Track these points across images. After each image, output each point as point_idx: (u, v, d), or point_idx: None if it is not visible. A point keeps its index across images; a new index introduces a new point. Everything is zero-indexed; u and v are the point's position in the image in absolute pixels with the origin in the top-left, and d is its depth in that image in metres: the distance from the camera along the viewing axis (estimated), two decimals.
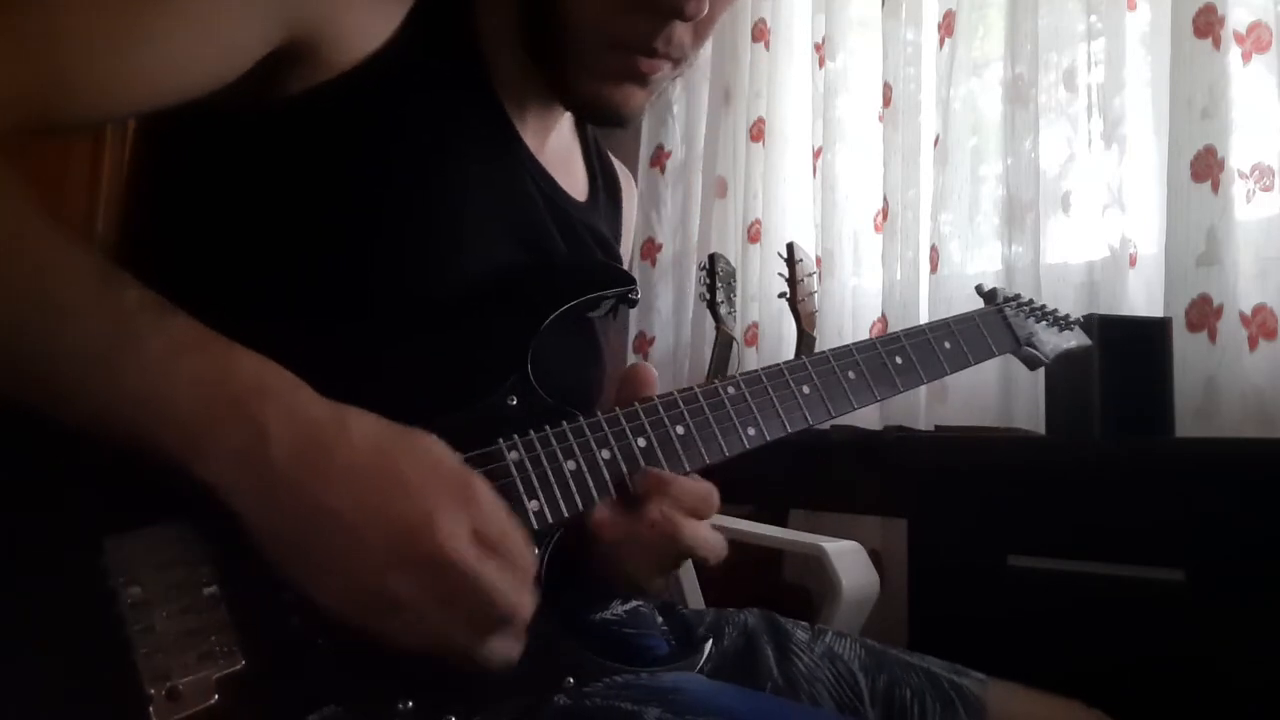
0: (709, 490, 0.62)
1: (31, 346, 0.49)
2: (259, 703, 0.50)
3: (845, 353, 0.73)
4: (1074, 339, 0.96)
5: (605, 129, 0.80)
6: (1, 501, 0.50)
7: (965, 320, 0.84)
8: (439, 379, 0.60)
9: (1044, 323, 0.92)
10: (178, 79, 0.58)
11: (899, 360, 0.76)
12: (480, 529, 0.51)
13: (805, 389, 0.70)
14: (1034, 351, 0.89)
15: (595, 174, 0.86)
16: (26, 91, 0.53)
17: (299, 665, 0.51)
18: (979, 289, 0.95)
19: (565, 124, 0.81)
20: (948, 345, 0.80)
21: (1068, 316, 0.97)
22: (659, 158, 2.57)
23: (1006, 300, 0.90)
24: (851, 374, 0.72)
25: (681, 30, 0.66)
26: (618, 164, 0.93)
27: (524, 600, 0.52)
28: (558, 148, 0.80)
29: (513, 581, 0.51)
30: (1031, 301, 0.93)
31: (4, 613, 0.48)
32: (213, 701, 0.48)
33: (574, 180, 0.82)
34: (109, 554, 0.50)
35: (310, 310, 0.62)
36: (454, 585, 0.50)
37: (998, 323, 0.87)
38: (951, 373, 0.80)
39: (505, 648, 0.53)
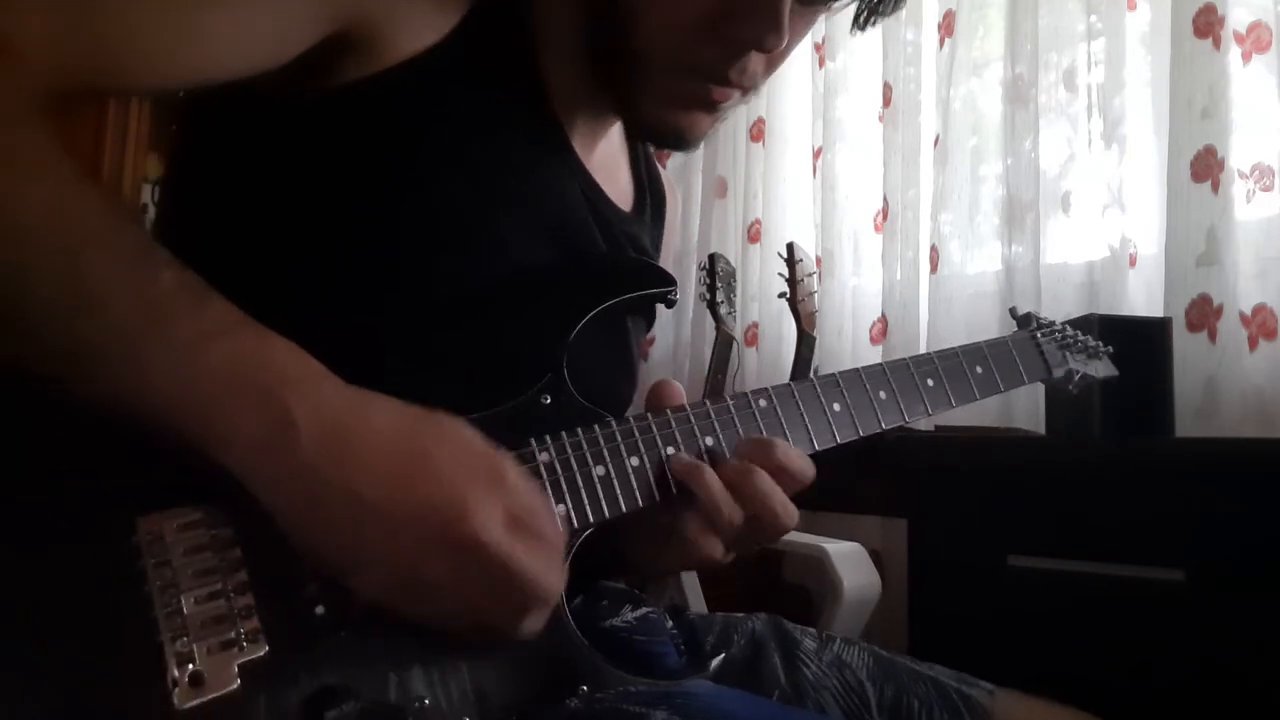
0: (805, 461, 0.63)
1: (58, 321, 0.49)
2: (280, 691, 0.50)
3: (878, 372, 0.73)
4: (1104, 369, 0.95)
5: (665, 150, 0.79)
6: (35, 478, 0.51)
7: (999, 345, 0.83)
8: (475, 375, 0.60)
9: (1073, 349, 0.91)
10: (228, 57, 0.57)
11: (930, 382, 0.75)
12: (511, 510, 0.51)
13: (835, 406, 0.70)
14: (1062, 381, 0.89)
15: (643, 185, 0.86)
16: (74, 56, 0.53)
17: (322, 656, 0.51)
18: (1013, 312, 0.93)
19: (615, 133, 0.80)
20: (979, 370, 0.79)
21: (1099, 345, 0.96)
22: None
23: (1040, 326, 0.89)
24: (883, 394, 0.72)
25: (756, 61, 0.66)
26: (664, 173, 0.92)
27: (555, 580, 0.53)
28: (606, 156, 0.79)
29: (544, 563, 0.52)
30: (1065, 328, 0.91)
31: (34, 590, 0.48)
32: (234, 687, 0.48)
33: (620, 189, 0.81)
34: (140, 533, 0.50)
35: (346, 301, 0.62)
36: (488, 568, 0.50)
37: (1031, 350, 0.86)
38: (980, 398, 0.79)
39: (535, 623, 0.53)
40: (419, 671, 0.53)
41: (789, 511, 0.62)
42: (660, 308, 0.73)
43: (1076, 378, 0.91)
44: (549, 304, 0.65)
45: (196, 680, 0.48)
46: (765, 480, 0.61)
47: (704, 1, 0.63)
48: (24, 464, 0.51)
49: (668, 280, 0.69)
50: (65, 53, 0.52)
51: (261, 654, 0.50)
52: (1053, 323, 0.91)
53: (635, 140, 0.85)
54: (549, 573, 0.52)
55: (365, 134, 0.63)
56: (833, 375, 0.71)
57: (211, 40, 0.57)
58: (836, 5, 0.66)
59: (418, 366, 0.60)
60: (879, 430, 0.72)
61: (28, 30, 0.51)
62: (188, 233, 0.66)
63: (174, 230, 0.68)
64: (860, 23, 0.69)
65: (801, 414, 0.68)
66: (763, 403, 0.67)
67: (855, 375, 0.72)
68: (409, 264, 0.63)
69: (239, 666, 0.49)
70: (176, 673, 0.48)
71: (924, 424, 1.81)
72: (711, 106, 0.69)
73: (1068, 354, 0.90)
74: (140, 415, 0.49)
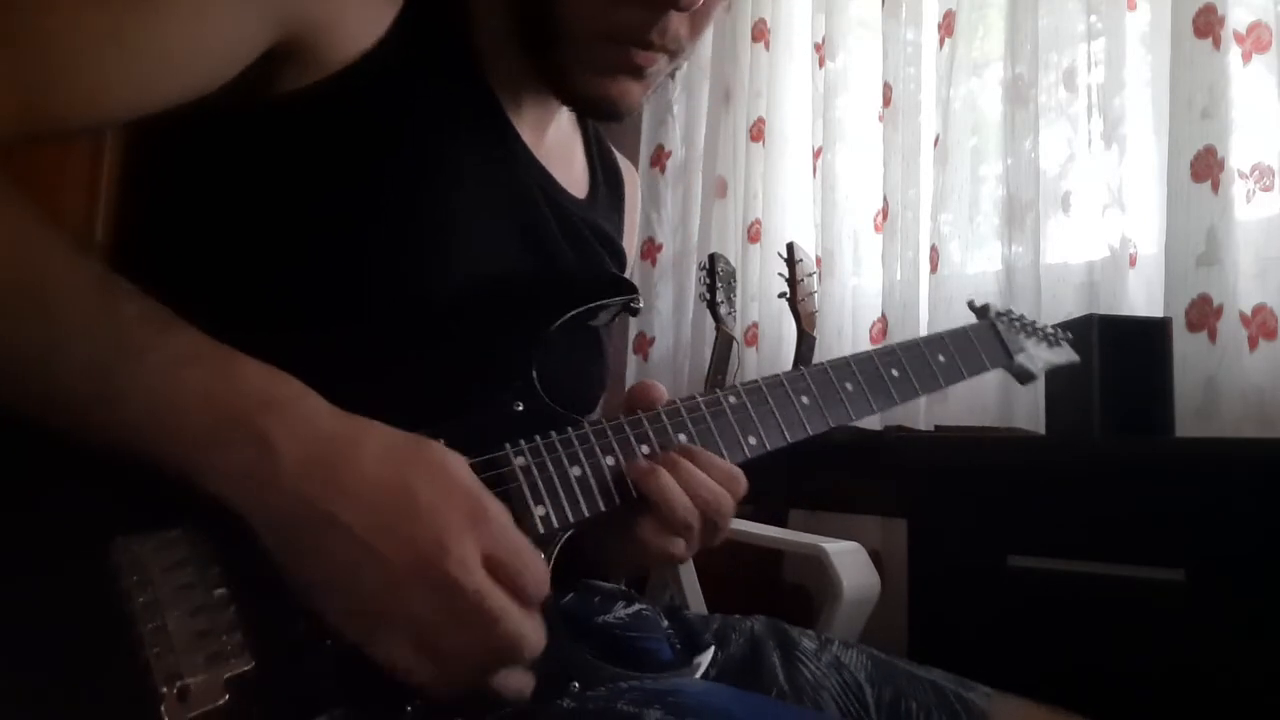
0: (734, 469, 0.64)
1: (29, 362, 0.49)
2: (268, 703, 0.50)
3: (843, 364, 0.74)
4: (1064, 354, 0.97)
5: (603, 123, 0.79)
6: (15, 499, 0.50)
7: (958, 334, 0.85)
8: (443, 383, 0.60)
9: (1034, 337, 0.93)
10: (171, 82, 0.57)
11: (895, 372, 0.77)
12: (492, 552, 0.50)
13: (804, 399, 0.71)
14: (1025, 366, 0.91)
15: (595, 168, 0.85)
16: (16, 98, 0.52)
17: (308, 667, 0.51)
18: (971, 304, 0.96)
19: (564, 117, 0.80)
20: (941, 358, 0.81)
21: (1058, 332, 0.98)
22: (659, 158, 2.57)
23: (999, 315, 0.91)
24: (849, 385, 0.73)
25: (677, 21, 0.66)
26: (619, 156, 0.92)
27: (529, 629, 0.51)
28: (557, 142, 0.79)
29: (519, 610, 0.51)
30: (1023, 316, 0.94)
31: (17, 611, 0.48)
32: (223, 701, 0.48)
33: (574, 175, 0.81)
34: (121, 553, 0.50)
35: (310, 313, 0.61)
36: (461, 610, 0.49)
37: (990, 337, 0.88)
38: (945, 386, 0.81)
39: (516, 680, 0.52)
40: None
41: (733, 478, 0.64)
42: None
43: (1039, 364, 0.92)
44: (514, 312, 0.65)
45: (184, 695, 0.48)
46: (710, 483, 0.62)
47: None
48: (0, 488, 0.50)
49: (629, 289, 0.69)
50: (17, 99, 0.52)
51: (248, 667, 0.49)
52: (1009, 311, 0.93)
53: (583, 121, 0.85)
54: (525, 619, 0.51)
55: (311, 143, 0.62)
56: (799, 370, 0.72)
57: (158, 65, 0.56)
58: None
59: (385, 376, 0.59)
60: (850, 420, 0.73)
61: None
62: (143, 256, 0.66)
63: (130, 254, 0.67)
64: None
65: (772, 409, 0.69)
66: (733, 400, 0.68)
67: (821, 369, 0.73)
68: (366, 272, 0.62)
69: (226, 680, 0.49)
70: (164, 689, 0.47)
71: (924, 424, 1.82)
72: (638, 72, 0.68)
73: (1027, 341, 0.92)
74: (119, 448, 0.49)
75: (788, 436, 0.69)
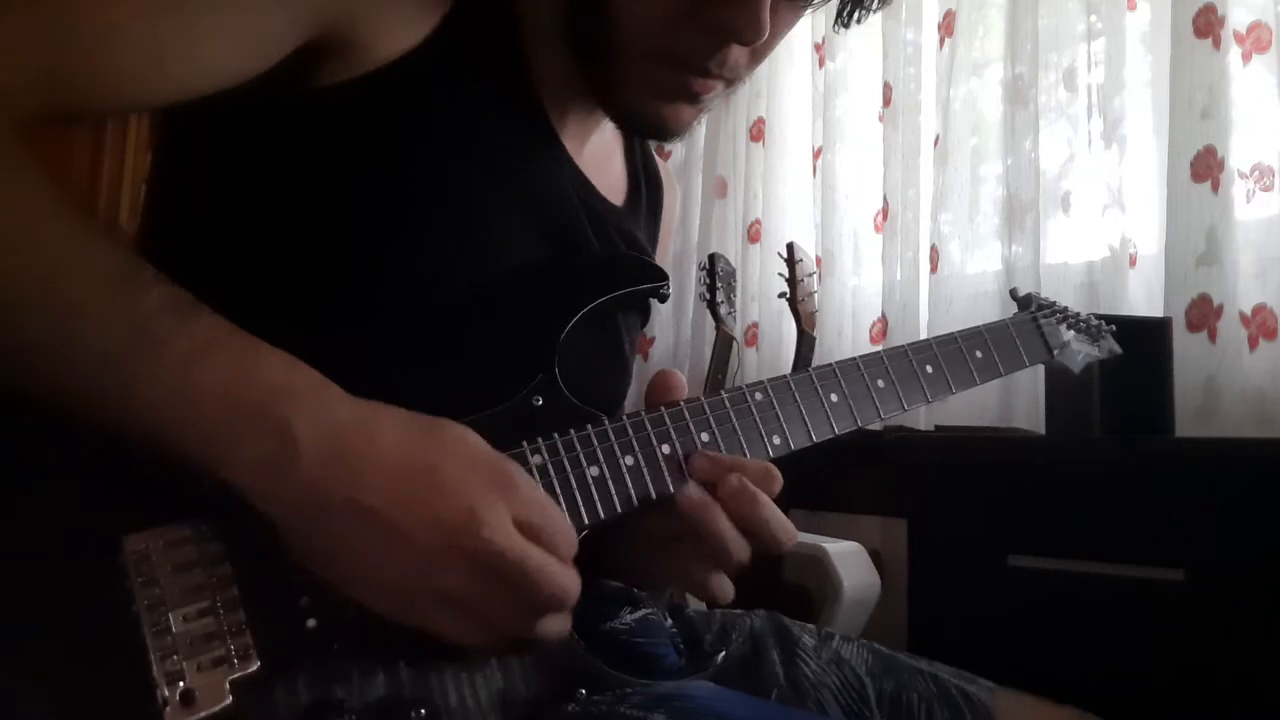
0: (769, 466, 0.62)
1: (44, 350, 0.48)
2: (274, 706, 0.49)
3: (876, 360, 0.72)
4: (1106, 347, 0.94)
5: (650, 140, 0.78)
6: (20, 497, 0.50)
7: (998, 328, 0.81)
8: (465, 378, 0.60)
9: (1076, 329, 0.90)
10: (208, 70, 0.57)
11: (929, 369, 0.74)
12: (520, 516, 0.51)
13: (833, 397, 0.69)
14: (1064, 363, 0.87)
15: (638, 177, 0.84)
16: (51, 78, 0.52)
17: (315, 670, 0.51)
18: (1014, 293, 0.92)
19: (609, 126, 0.79)
20: (979, 354, 0.78)
21: (1101, 324, 0.94)
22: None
23: (1041, 307, 0.88)
24: (881, 382, 0.71)
25: (738, 52, 0.65)
26: (663, 165, 0.91)
27: (571, 581, 0.52)
28: (598, 150, 0.78)
29: (558, 564, 0.52)
30: (1066, 309, 0.90)
31: (21, 610, 0.48)
32: (227, 703, 0.48)
33: (612, 183, 0.80)
34: (127, 553, 0.50)
35: (332, 307, 0.61)
36: (502, 575, 0.50)
37: (1032, 331, 0.84)
38: (981, 383, 0.78)
39: (556, 625, 0.53)
40: (414, 682, 0.53)
41: (789, 531, 0.61)
42: (660, 307, 0.72)
43: (1079, 358, 0.89)
44: (539, 304, 0.64)
45: (188, 699, 0.47)
46: (768, 507, 0.60)
47: None
48: (6, 484, 0.50)
49: (659, 275, 0.68)
50: (45, 77, 0.51)
51: (253, 669, 0.49)
52: (1053, 303, 0.90)
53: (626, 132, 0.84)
54: (565, 572, 0.52)
55: (351, 137, 0.62)
56: (830, 366, 0.70)
57: (195, 52, 0.56)
58: (819, 1, 0.65)
59: (407, 370, 0.59)
60: (879, 419, 0.71)
61: (4, 57, 0.50)
62: (174, 239, 0.65)
63: (161, 237, 0.67)
64: (844, 19, 0.68)
65: (799, 406, 0.67)
66: (759, 396, 0.66)
67: (853, 365, 0.71)
68: (399, 267, 0.62)
69: (231, 683, 0.48)
70: (167, 692, 0.47)
71: (924, 424, 1.82)
72: (694, 98, 0.67)
73: (1070, 334, 0.88)
74: (137, 438, 0.49)
75: (814, 436, 0.68)
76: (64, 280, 0.48)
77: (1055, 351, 0.86)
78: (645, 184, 0.85)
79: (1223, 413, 1.48)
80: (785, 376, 0.68)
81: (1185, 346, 1.49)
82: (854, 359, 0.71)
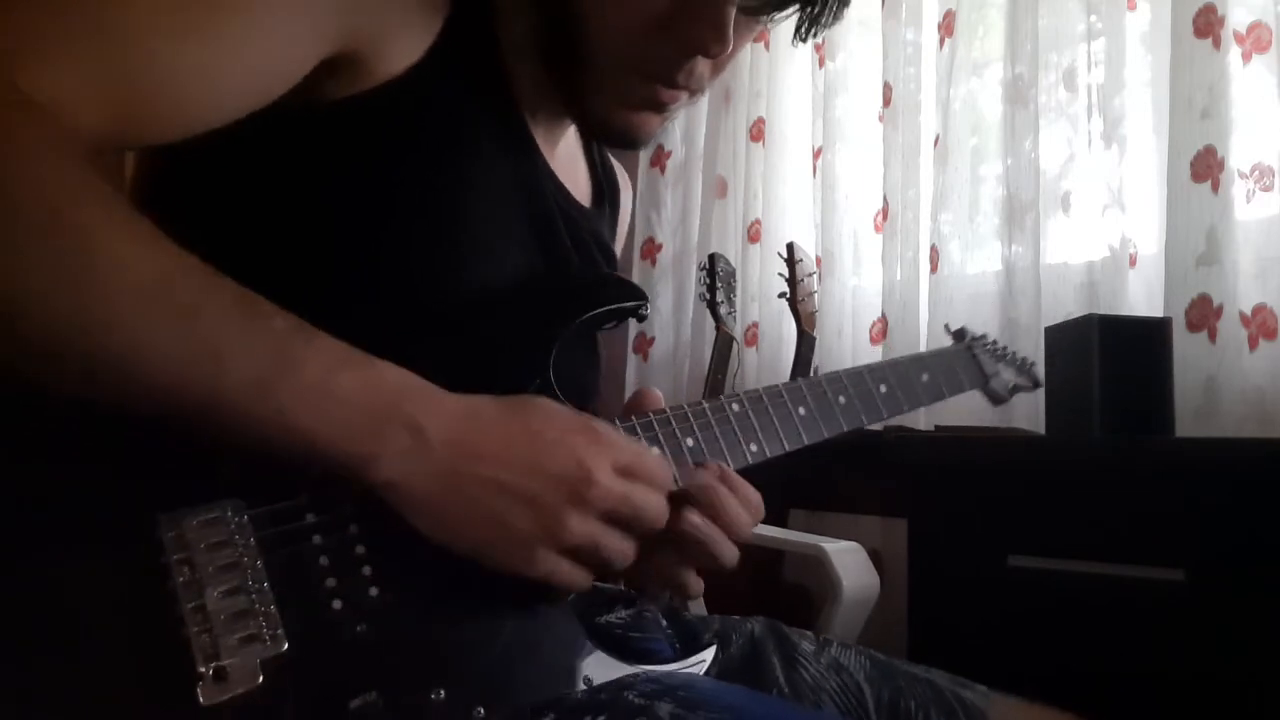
0: (759, 498, 0.66)
1: (194, 388, 0.50)
2: (303, 686, 0.50)
3: (836, 379, 0.80)
4: (1031, 378, 1.08)
5: (615, 149, 0.81)
6: (55, 480, 0.51)
7: (939, 355, 0.93)
8: (465, 383, 0.60)
9: (1004, 361, 1.03)
10: (250, 91, 0.58)
11: (884, 389, 0.83)
12: (618, 461, 0.57)
13: (801, 410, 0.75)
14: (996, 390, 1.00)
15: (599, 177, 0.88)
16: (118, 112, 0.53)
17: (341, 651, 0.52)
18: (947, 328, 1.06)
19: (571, 130, 0.82)
20: (925, 378, 0.88)
21: (1025, 360, 1.08)
22: (659, 158, 2.57)
23: (973, 340, 1.00)
24: (843, 399, 0.79)
25: (703, 64, 0.68)
26: (615, 164, 0.94)
27: (666, 508, 0.60)
28: (565, 154, 0.81)
29: (656, 495, 0.59)
30: (995, 342, 1.03)
31: (60, 586, 0.49)
32: (258, 684, 0.49)
33: (579, 186, 0.83)
34: (162, 531, 0.51)
35: (333, 314, 0.62)
36: (617, 514, 0.57)
37: (967, 360, 0.97)
38: (929, 403, 0.88)
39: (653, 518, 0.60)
40: (435, 664, 0.54)
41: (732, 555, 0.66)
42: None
43: (1009, 386, 1.03)
44: (534, 312, 0.68)
45: (220, 675, 0.48)
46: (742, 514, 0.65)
47: (652, 6, 0.65)
48: (43, 466, 0.52)
49: (640, 295, 0.73)
50: (113, 111, 0.53)
51: (283, 649, 0.50)
52: (984, 336, 1.02)
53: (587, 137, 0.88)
54: (660, 503, 0.59)
55: (356, 150, 0.64)
56: (797, 383, 0.77)
57: (236, 78, 0.57)
58: (780, 16, 0.68)
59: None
60: (842, 431, 0.79)
61: (72, 93, 0.51)
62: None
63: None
64: (801, 34, 0.70)
65: (771, 418, 0.73)
66: (735, 407, 0.72)
67: (816, 382, 0.78)
68: (395, 274, 0.65)
69: (261, 662, 0.49)
70: (202, 668, 0.48)
71: (924, 424, 1.82)
72: (660, 107, 0.71)
73: (1000, 365, 1.02)
74: (286, 454, 0.52)
75: (786, 445, 0.73)
76: (201, 319, 0.51)
77: (989, 378, 0.99)
78: (606, 183, 0.89)
79: (1223, 413, 1.48)
80: (760, 390, 0.74)
81: (1185, 346, 1.49)
82: (818, 377, 0.79)
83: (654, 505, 0.59)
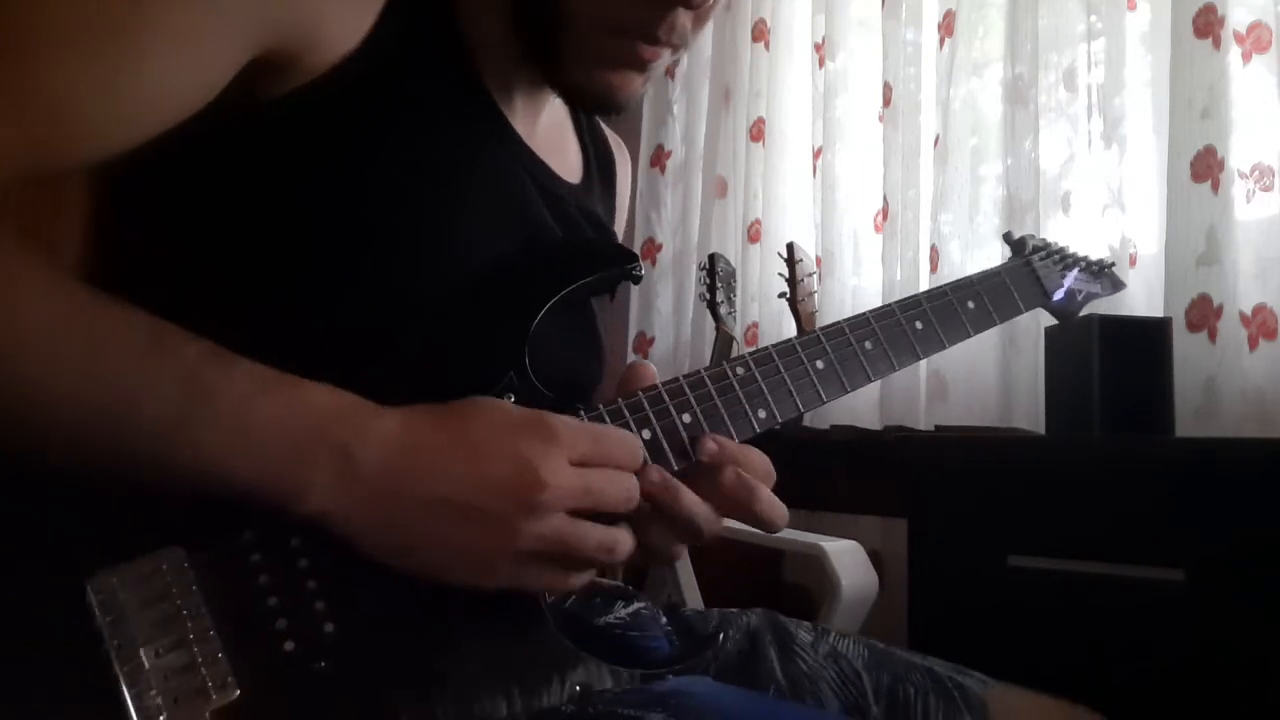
0: (768, 462, 0.63)
1: (101, 429, 0.49)
2: None
3: (862, 322, 0.71)
4: (1108, 285, 0.93)
5: (597, 116, 0.77)
6: None
7: (990, 277, 0.80)
8: (434, 381, 0.59)
9: (1073, 270, 0.88)
10: (166, 106, 0.56)
11: (919, 325, 0.73)
12: (574, 454, 0.54)
13: (819, 363, 0.67)
14: (1064, 305, 0.85)
15: (589, 151, 0.84)
16: (26, 144, 0.52)
17: (300, 691, 0.50)
18: (1007, 237, 0.91)
19: (556, 102, 0.77)
20: (971, 305, 0.77)
21: (1101, 262, 0.93)
22: (659, 158, 2.57)
23: (1035, 249, 0.86)
24: (869, 344, 0.70)
25: (684, 17, 0.65)
26: (610, 134, 0.90)
27: (634, 487, 0.56)
28: (548, 128, 0.77)
29: (620, 478, 0.56)
30: (1064, 249, 0.88)
31: None
32: None
33: (566, 160, 0.79)
34: (92, 593, 0.49)
35: (300, 311, 0.61)
36: (581, 509, 0.54)
37: (1025, 275, 0.83)
38: (974, 334, 0.77)
39: (626, 538, 0.57)
40: (404, 693, 0.52)
41: (781, 513, 0.62)
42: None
43: (1080, 298, 0.88)
44: (505, 298, 0.64)
45: None
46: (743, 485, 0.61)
47: None
48: None
49: (628, 256, 0.68)
50: (20, 144, 0.51)
51: (233, 697, 0.48)
52: (1049, 244, 0.88)
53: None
54: (627, 486, 0.56)
55: (300, 148, 0.61)
56: (814, 332, 0.69)
57: (152, 91, 0.55)
58: None
59: (375, 376, 0.58)
60: (868, 382, 0.70)
61: None
62: (131, 266, 0.65)
63: (112, 265, 0.66)
64: None
65: (783, 377, 0.66)
66: (740, 371, 0.65)
67: (838, 328, 0.69)
68: (359, 268, 0.62)
69: (211, 714, 0.48)
70: None
71: (924, 424, 1.82)
72: (642, 65, 0.67)
73: (1067, 274, 0.87)
74: (210, 489, 0.50)
75: (800, 405, 0.66)
76: (106, 358, 0.49)
77: (1053, 295, 0.85)
78: (596, 157, 0.85)
79: (1223, 413, 1.48)
80: (768, 347, 0.67)
81: (1185, 346, 1.49)
82: (839, 322, 0.70)
83: (616, 489, 0.55)
